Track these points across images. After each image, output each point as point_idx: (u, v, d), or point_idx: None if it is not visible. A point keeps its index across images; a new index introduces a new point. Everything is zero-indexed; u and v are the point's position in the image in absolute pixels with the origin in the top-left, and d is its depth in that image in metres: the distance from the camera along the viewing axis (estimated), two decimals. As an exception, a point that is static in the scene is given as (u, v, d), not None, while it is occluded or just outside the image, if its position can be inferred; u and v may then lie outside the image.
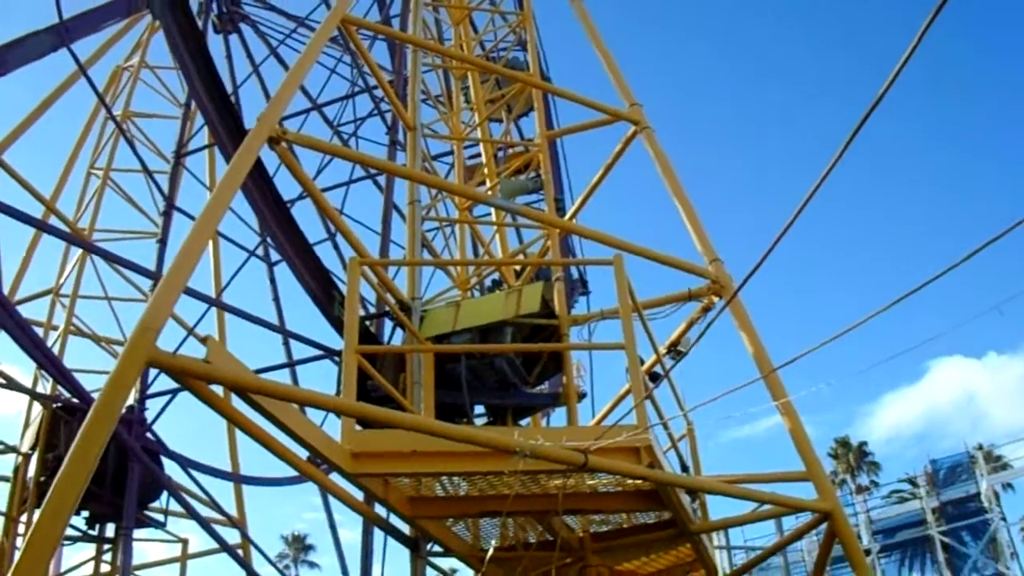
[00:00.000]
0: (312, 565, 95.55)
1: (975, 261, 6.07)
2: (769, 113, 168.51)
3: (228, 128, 14.94)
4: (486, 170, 20.05)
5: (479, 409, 13.13)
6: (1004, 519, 51.52)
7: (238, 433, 25.98)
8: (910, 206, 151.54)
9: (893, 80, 5.17)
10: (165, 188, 25.97)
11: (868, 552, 52.09)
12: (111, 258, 21.16)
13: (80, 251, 26.86)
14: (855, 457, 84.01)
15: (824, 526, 11.82)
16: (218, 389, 8.98)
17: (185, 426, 49.71)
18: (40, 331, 25.96)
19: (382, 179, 22.88)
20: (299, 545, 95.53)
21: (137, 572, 22.06)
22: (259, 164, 14.03)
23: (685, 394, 13.32)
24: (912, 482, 60.20)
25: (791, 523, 28.33)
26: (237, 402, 9.20)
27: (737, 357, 13.09)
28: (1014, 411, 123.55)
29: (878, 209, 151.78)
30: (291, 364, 23.49)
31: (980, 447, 55.64)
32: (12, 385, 21.44)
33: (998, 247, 5.90)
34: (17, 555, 7.29)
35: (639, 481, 10.84)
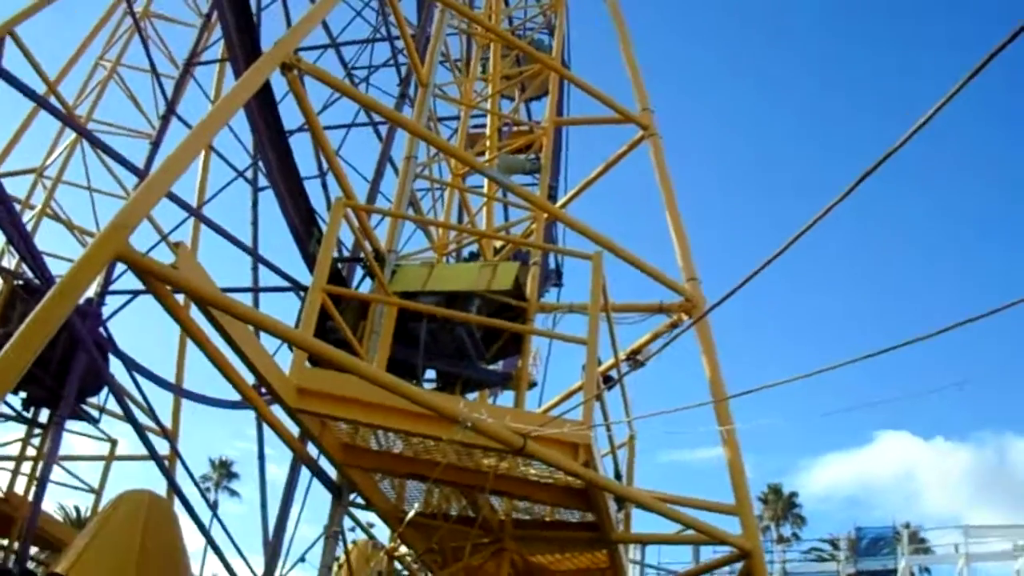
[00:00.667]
0: (233, 493, 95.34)
1: (945, 336, 6.10)
2: (763, 127, 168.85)
3: (244, 45, 14.84)
4: (488, 142, 20.02)
5: (430, 374, 13.16)
6: (916, 602, 51.93)
7: (189, 348, 26.02)
8: (897, 265, 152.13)
9: (892, 152, 5.16)
10: (170, 93, 25.87)
11: (777, 602, 52.47)
12: (102, 147, 21.04)
13: (72, 136, 26.69)
14: (783, 506, 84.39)
15: (741, 564, 11.91)
16: (182, 301, 9.01)
17: (139, 332, 49.53)
18: (17, 208, 25.87)
19: (383, 130, 22.82)
20: (224, 471, 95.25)
21: (62, 462, 22.03)
22: (267, 88, 13.97)
23: (636, 404, 13.38)
24: (834, 544, 60.58)
25: (709, 552, 28.42)
26: (196, 317, 9.22)
27: (697, 377, 13.17)
28: (949, 498, 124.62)
29: (864, 261, 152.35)
30: (256, 290, 23.40)
31: (907, 525, 55.99)
32: (-25, 255, 21.37)
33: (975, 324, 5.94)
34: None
35: (571, 478, 10.86)
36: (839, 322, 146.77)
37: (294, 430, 11.59)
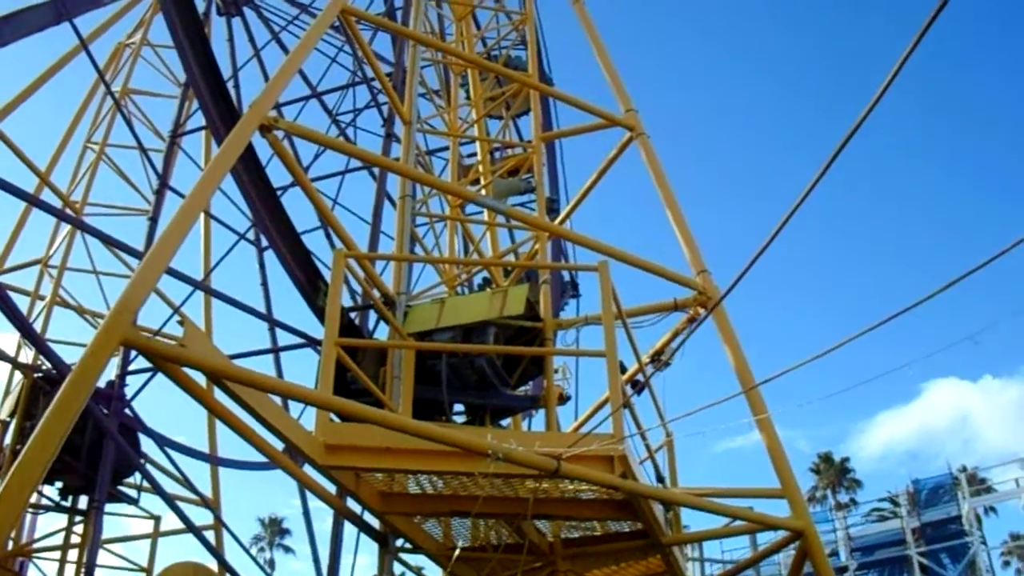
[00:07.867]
0: (287, 550, 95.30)
1: (971, 282, 6.06)
2: (768, 115, 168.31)
3: (221, 113, 14.83)
4: (481, 168, 19.96)
5: (458, 407, 13.10)
6: (984, 543, 51.63)
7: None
8: (905, 226, 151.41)
9: (875, 103, 5.12)
10: (160, 166, 25.91)
11: (845, 569, 52.19)
12: (100, 236, 21.06)
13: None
14: (836, 473, 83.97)
15: (797, 544, 11.82)
16: (198, 374, 8.98)
17: (168, 402, 49.80)
18: (27, 300, 26.02)
19: (377, 170, 22.84)
20: (275, 528, 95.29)
21: (108, 545, 22.02)
22: (251, 151, 13.95)
23: (669, 405, 13.26)
24: (893, 501, 60.20)
25: (768, 537, 28.34)
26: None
27: (725, 371, 13.10)
28: (1006, 434, 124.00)
29: (875, 227, 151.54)
30: (275, 350, 23.48)
31: (964, 469, 55.87)
32: (-6, 353, 21.45)
33: (994, 269, 5.88)
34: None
35: (612, 490, 10.80)
36: (855, 287, 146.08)
37: (332, 486, 11.56)
